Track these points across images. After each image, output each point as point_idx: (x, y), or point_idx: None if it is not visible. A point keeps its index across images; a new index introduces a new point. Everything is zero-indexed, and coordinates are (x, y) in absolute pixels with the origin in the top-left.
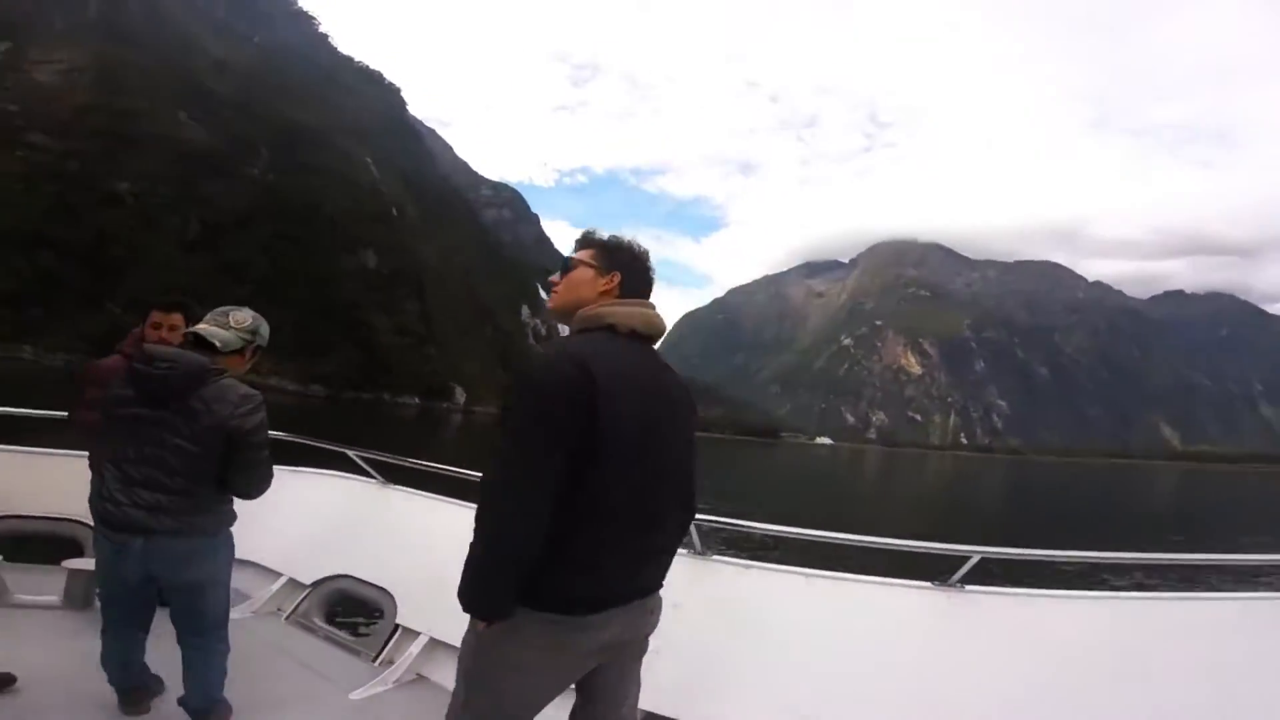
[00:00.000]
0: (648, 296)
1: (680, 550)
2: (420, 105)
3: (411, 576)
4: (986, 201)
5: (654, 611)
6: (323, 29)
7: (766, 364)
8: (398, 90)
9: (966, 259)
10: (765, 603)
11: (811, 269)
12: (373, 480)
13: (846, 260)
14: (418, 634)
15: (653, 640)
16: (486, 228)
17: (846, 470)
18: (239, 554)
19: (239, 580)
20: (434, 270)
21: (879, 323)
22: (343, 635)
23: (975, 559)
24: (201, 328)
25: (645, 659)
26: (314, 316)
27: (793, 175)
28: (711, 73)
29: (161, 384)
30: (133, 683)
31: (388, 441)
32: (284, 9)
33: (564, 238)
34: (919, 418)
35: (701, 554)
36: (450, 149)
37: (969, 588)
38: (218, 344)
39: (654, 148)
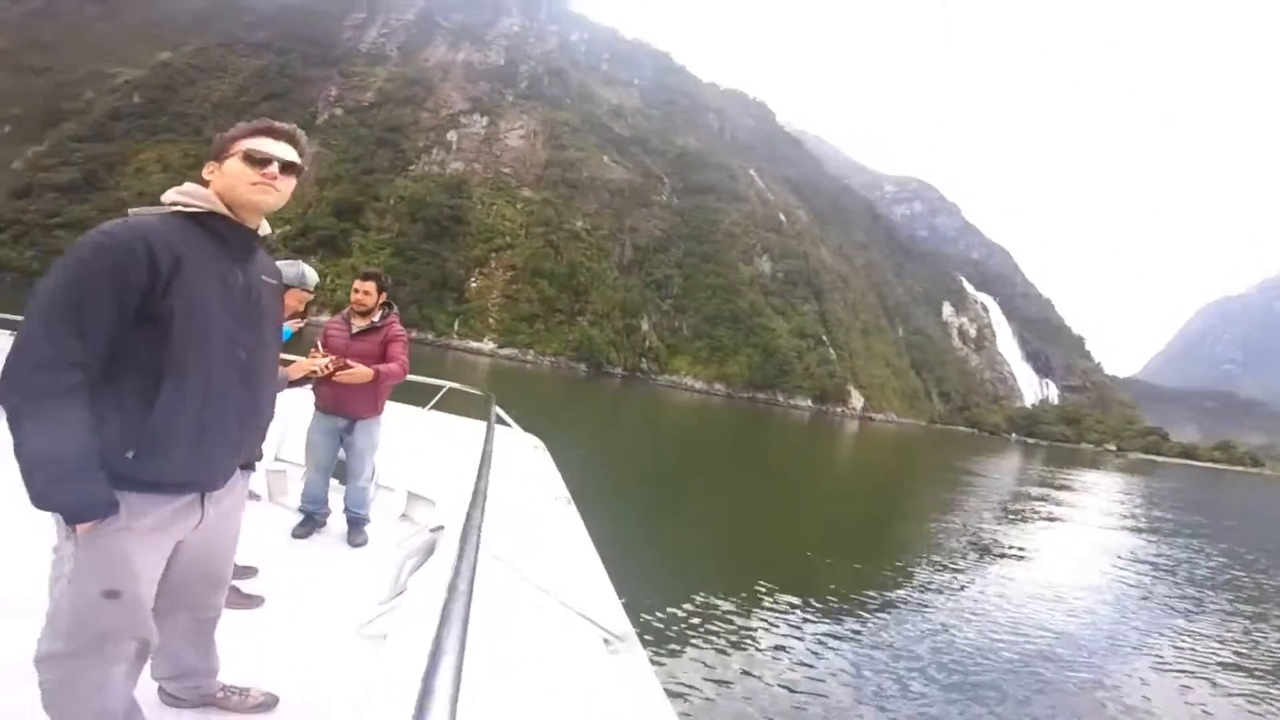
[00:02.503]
0: None
1: None
2: (791, 115)
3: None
4: None
5: None
6: (679, 62)
7: None
8: (763, 104)
9: None
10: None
11: None
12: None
13: None
14: None
15: None
16: (896, 224)
17: None
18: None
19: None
20: (832, 272)
21: None
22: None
23: None
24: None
25: None
26: (722, 323)
27: None
28: None
29: None
30: None
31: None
32: (645, 51)
33: (987, 221)
34: None
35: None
36: (838, 151)
37: None
38: None
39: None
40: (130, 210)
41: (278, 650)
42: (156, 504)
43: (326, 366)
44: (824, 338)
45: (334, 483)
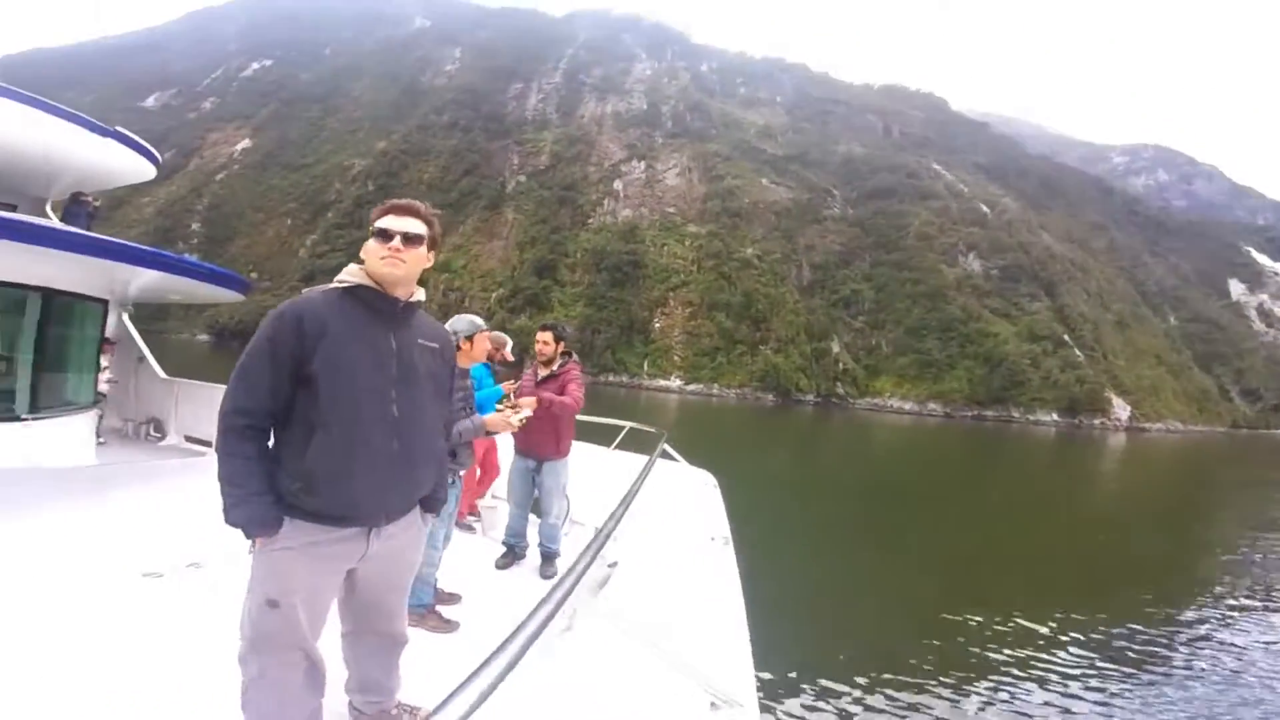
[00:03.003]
0: None
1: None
2: (970, 101)
3: None
4: None
5: None
6: (818, 70)
7: None
8: (930, 94)
9: None
10: None
11: None
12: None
13: None
14: None
15: None
16: (1139, 197)
17: None
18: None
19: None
20: (1063, 260)
21: None
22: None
23: None
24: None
25: None
26: (929, 334)
27: None
28: None
29: None
30: None
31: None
32: (779, 67)
33: (1256, 177)
34: None
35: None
36: (1040, 129)
37: None
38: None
39: None
40: (304, 290)
41: (459, 674)
42: (320, 531)
43: (520, 422)
44: (1065, 338)
45: (535, 518)
